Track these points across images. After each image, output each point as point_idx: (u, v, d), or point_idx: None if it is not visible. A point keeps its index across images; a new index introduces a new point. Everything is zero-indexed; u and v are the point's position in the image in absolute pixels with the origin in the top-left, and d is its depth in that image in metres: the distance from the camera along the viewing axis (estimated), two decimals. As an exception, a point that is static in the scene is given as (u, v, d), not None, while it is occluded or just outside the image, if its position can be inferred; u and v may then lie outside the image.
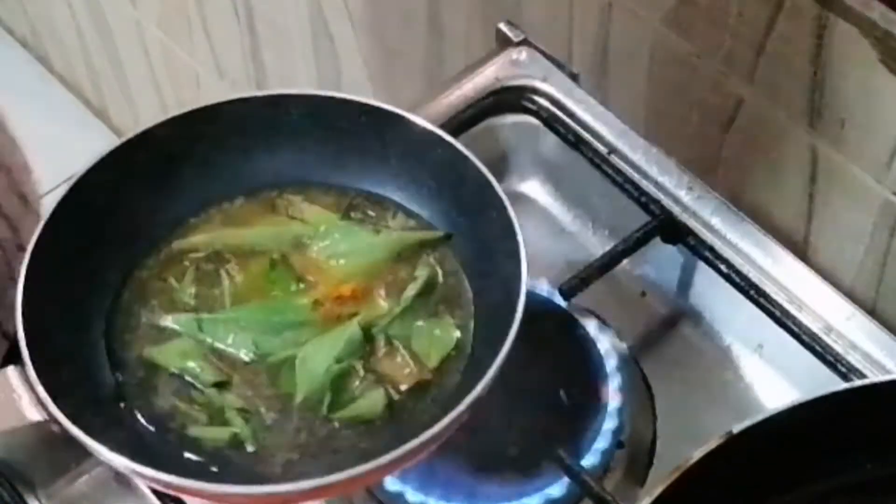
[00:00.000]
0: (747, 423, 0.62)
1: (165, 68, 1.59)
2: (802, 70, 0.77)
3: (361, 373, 0.65)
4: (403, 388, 0.65)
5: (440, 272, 0.69)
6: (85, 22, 1.72)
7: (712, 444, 0.62)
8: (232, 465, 0.63)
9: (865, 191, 0.78)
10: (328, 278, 0.69)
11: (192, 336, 0.67)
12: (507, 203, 0.66)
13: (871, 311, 0.77)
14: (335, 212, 0.71)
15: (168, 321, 0.67)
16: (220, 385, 0.65)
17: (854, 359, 0.74)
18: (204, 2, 1.40)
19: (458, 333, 0.67)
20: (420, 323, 0.67)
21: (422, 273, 0.68)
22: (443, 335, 0.67)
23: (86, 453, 0.61)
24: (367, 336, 0.66)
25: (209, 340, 0.66)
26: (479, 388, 0.60)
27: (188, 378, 0.65)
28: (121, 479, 0.71)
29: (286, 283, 0.68)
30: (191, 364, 0.66)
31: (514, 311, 0.62)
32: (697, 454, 0.62)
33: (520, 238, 0.65)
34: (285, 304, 0.68)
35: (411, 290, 0.68)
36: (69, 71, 1.91)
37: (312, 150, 0.71)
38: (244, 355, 0.66)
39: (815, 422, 0.63)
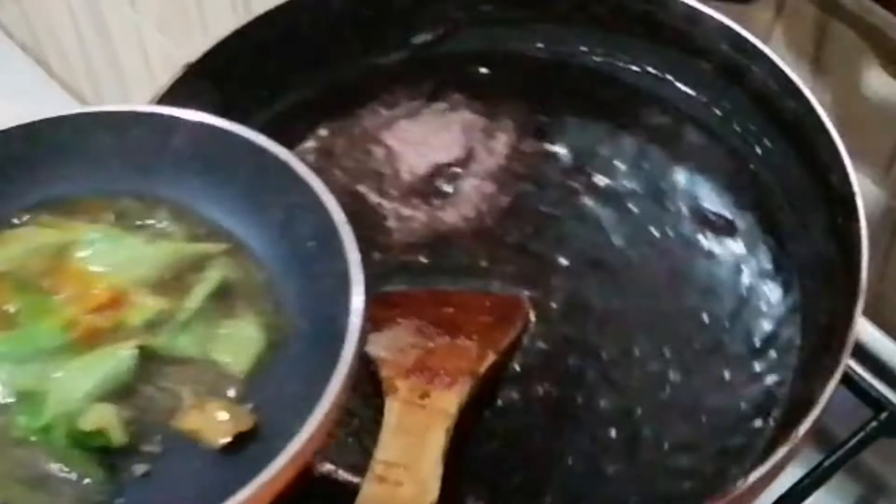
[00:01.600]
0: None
1: (165, 72, 1.58)
2: (802, 73, 0.77)
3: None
4: (218, 442, 0.56)
5: (238, 273, 0.60)
6: (84, 25, 1.72)
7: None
8: None
9: (865, 194, 0.77)
10: (87, 292, 0.60)
11: None
12: (321, 193, 0.59)
13: (872, 315, 0.77)
14: (105, 220, 0.63)
15: None
16: None
17: (856, 362, 0.74)
18: (204, 4, 1.39)
19: (263, 333, 0.58)
20: (221, 330, 0.59)
21: (214, 274, 0.60)
22: (248, 335, 0.58)
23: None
24: (149, 354, 0.58)
25: None
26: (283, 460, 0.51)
27: None
28: None
29: (33, 306, 0.59)
30: None
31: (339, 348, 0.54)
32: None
33: (346, 241, 0.57)
34: (31, 330, 0.58)
35: (201, 291, 0.60)
36: (69, 74, 1.91)
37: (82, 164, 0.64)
38: None
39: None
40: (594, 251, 0.74)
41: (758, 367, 0.69)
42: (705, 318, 0.71)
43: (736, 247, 0.73)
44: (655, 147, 0.77)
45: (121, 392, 0.57)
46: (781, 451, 0.59)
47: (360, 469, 0.63)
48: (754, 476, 0.58)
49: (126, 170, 0.64)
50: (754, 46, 0.71)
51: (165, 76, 0.72)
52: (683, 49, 0.75)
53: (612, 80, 0.79)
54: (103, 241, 0.62)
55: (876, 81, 0.75)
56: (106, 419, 0.56)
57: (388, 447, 0.62)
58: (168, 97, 0.71)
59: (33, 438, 0.56)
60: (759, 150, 0.74)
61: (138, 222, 0.63)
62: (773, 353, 0.69)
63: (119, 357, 0.57)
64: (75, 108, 0.65)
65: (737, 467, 0.65)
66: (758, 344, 0.70)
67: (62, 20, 1.78)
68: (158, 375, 0.58)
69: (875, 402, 0.73)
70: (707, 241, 0.73)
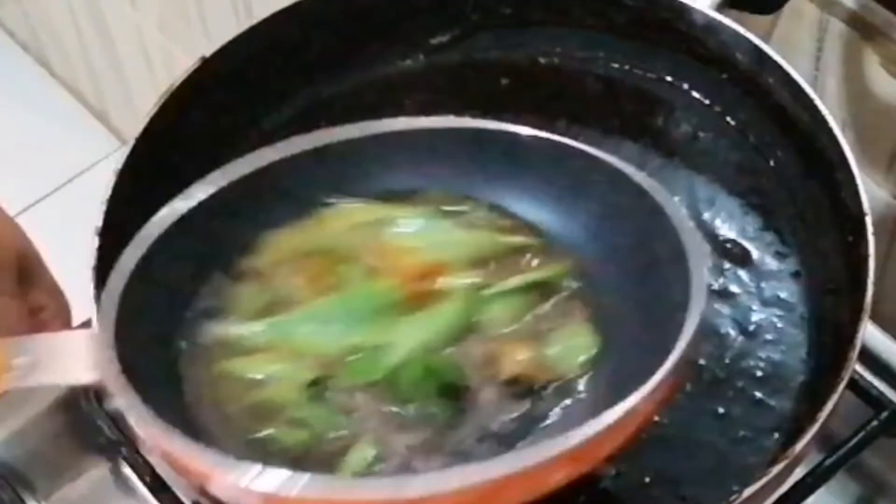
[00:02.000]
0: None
1: (166, 71, 1.59)
2: (803, 73, 0.77)
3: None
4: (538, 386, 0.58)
5: (567, 282, 0.61)
6: (85, 25, 1.72)
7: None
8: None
9: (865, 193, 0.78)
10: (403, 264, 0.61)
11: (269, 342, 0.60)
12: (664, 202, 0.58)
13: (872, 314, 0.77)
14: (422, 206, 0.64)
15: (239, 330, 0.60)
16: (314, 384, 0.58)
17: (856, 362, 0.74)
18: (204, 4, 1.40)
19: (597, 338, 0.59)
20: (546, 328, 0.60)
21: (539, 273, 0.61)
22: (580, 340, 0.59)
23: (84, 454, 0.58)
24: (470, 315, 0.60)
25: (290, 341, 0.59)
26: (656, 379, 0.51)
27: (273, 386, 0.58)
28: (119, 481, 0.71)
29: (354, 276, 0.61)
30: (279, 367, 0.59)
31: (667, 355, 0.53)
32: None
33: (690, 261, 0.56)
34: (361, 291, 0.60)
35: (520, 279, 0.60)
36: (70, 74, 1.91)
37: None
38: (332, 349, 0.59)
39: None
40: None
41: (759, 394, 0.68)
42: (702, 361, 0.69)
43: (748, 278, 0.72)
44: (673, 163, 0.76)
45: (449, 344, 0.59)
46: (776, 469, 0.58)
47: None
48: (748, 491, 0.58)
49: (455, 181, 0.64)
50: (770, 57, 0.71)
51: (165, 75, 0.72)
52: (700, 58, 0.75)
53: (631, 88, 0.78)
54: (419, 221, 0.63)
55: (876, 81, 0.75)
56: (453, 359, 0.58)
57: None
58: (181, 90, 0.71)
59: (374, 384, 0.58)
60: (772, 163, 0.74)
61: (454, 208, 0.64)
62: (777, 380, 0.68)
63: (447, 313, 0.59)
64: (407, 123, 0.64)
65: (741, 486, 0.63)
66: (760, 374, 0.69)
67: (63, 20, 1.78)
68: (480, 333, 0.60)
69: (876, 402, 0.73)
70: (722, 278, 0.72)
